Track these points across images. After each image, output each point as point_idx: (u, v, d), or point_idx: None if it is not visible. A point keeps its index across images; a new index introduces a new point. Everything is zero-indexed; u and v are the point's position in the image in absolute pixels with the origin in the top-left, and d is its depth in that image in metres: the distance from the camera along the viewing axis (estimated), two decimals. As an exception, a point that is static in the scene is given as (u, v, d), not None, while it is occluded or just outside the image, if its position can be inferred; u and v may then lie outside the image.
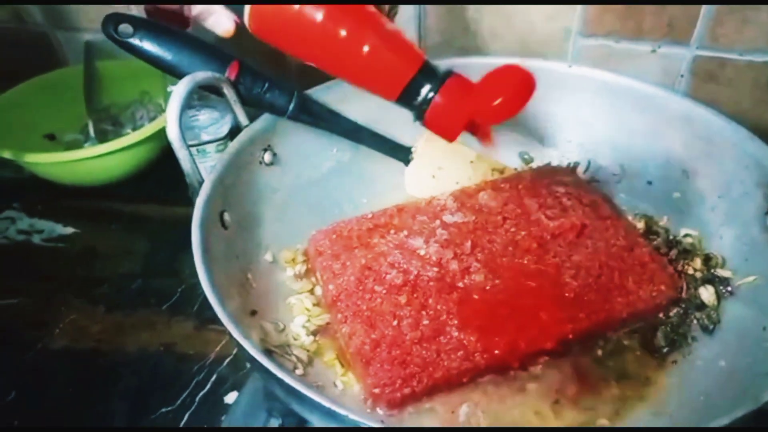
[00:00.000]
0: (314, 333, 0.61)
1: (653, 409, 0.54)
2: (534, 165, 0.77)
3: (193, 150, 0.74)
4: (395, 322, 0.57)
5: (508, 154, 0.77)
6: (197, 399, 0.63)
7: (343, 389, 0.57)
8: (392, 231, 0.65)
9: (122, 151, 0.80)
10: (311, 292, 0.65)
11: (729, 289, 0.61)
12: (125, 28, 0.60)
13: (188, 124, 0.77)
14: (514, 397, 0.55)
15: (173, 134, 0.56)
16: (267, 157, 0.67)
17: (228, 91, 0.63)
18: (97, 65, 0.94)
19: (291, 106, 0.65)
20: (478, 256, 0.62)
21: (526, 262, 0.62)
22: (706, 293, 0.61)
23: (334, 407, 0.42)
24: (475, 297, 0.59)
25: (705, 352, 0.58)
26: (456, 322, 0.57)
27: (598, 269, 0.61)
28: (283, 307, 0.63)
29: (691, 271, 0.63)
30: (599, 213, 0.66)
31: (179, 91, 0.57)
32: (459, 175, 0.74)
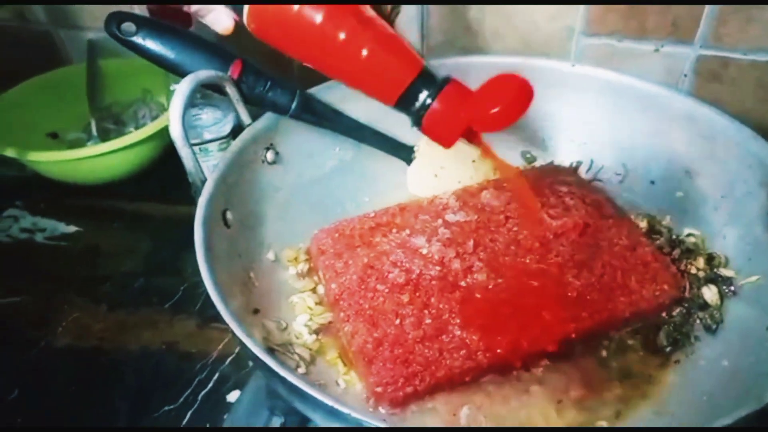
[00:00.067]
0: (316, 332, 0.61)
1: (656, 409, 0.54)
2: (536, 164, 0.77)
3: (196, 149, 0.74)
4: (397, 321, 0.57)
5: (510, 153, 0.77)
6: (199, 397, 0.63)
7: (345, 388, 0.57)
8: (394, 230, 0.65)
9: (125, 150, 0.80)
10: (313, 290, 0.65)
11: (732, 288, 0.61)
12: (128, 26, 0.60)
13: (191, 123, 0.77)
14: (519, 398, 0.55)
15: (176, 133, 0.56)
16: (269, 155, 0.67)
17: (230, 90, 0.63)
18: (100, 64, 0.94)
19: (293, 105, 0.65)
20: (480, 255, 0.62)
21: (528, 261, 0.62)
22: (709, 293, 0.61)
23: (336, 405, 0.42)
24: (478, 296, 0.59)
25: (708, 351, 0.58)
26: (458, 321, 0.57)
27: (601, 269, 0.61)
28: (285, 306, 0.63)
29: (694, 271, 0.63)
30: (602, 212, 0.66)
31: (182, 89, 0.57)
32: (461, 174, 0.74)
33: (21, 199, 0.88)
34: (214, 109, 0.78)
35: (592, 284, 0.60)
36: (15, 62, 0.94)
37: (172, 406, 0.62)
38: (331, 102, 0.68)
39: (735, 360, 0.55)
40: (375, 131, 0.70)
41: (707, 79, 0.78)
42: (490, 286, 0.60)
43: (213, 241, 0.55)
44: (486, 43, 0.85)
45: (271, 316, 0.60)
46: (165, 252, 0.79)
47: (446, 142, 0.56)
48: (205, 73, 0.59)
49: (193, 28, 0.69)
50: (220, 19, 0.59)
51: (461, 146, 0.73)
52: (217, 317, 0.48)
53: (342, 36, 0.52)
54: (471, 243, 0.63)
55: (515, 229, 0.65)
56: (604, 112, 0.72)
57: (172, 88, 0.75)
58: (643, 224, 0.68)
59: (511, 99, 0.51)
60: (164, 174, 0.86)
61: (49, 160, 0.81)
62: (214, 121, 0.78)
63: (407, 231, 0.65)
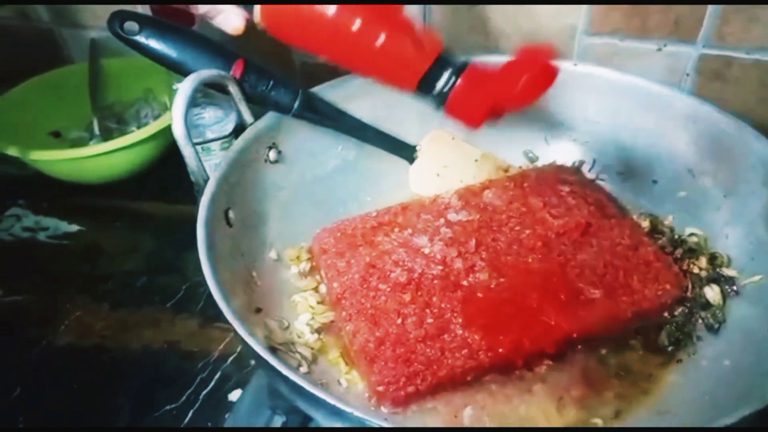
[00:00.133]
0: (318, 331, 0.61)
1: (657, 408, 0.54)
2: (539, 164, 0.77)
3: (198, 148, 0.74)
4: (399, 320, 0.57)
5: (513, 152, 0.77)
6: (201, 396, 0.63)
7: (347, 387, 0.57)
8: (397, 229, 0.65)
9: (127, 149, 0.80)
10: (316, 290, 0.65)
11: (734, 288, 0.61)
12: (131, 25, 0.60)
13: (193, 123, 0.77)
14: (521, 397, 0.55)
15: (179, 131, 0.57)
16: (272, 155, 0.67)
17: (233, 89, 0.63)
18: (103, 63, 0.94)
19: (296, 104, 0.65)
20: (482, 254, 0.62)
21: (530, 260, 0.62)
22: (712, 292, 0.61)
23: (338, 404, 0.42)
24: (480, 295, 0.59)
25: (710, 351, 0.58)
26: (460, 320, 0.57)
27: (603, 268, 0.61)
28: (287, 305, 0.63)
29: (696, 271, 0.63)
30: (604, 212, 0.66)
31: (185, 88, 0.57)
32: (464, 173, 0.74)
33: (23, 198, 0.88)
34: (216, 108, 0.78)
35: (594, 284, 0.60)
36: (17, 61, 0.94)
37: (173, 405, 0.62)
38: (333, 101, 0.68)
39: (737, 360, 0.55)
40: (377, 130, 0.70)
41: (710, 78, 0.78)
42: (492, 286, 0.60)
43: (215, 240, 0.56)
44: (489, 42, 0.84)
45: (273, 315, 0.60)
46: (167, 251, 0.79)
47: (474, 122, 0.56)
48: (207, 72, 0.60)
49: (196, 27, 0.69)
50: (230, 20, 0.59)
51: (464, 145, 0.73)
52: (219, 316, 0.48)
53: (356, 25, 0.52)
54: (473, 242, 0.63)
55: (517, 228, 0.65)
56: (607, 111, 0.72)
57: (174, 87, 0.75)
58: (645, 224, 0.68)
59: (537, 72, 0.51)
60: (166, 173, 0.86)
61: (52, 159, 0.81)
62: (216, 120, 0.78)
63: (409, 230, 0.65)
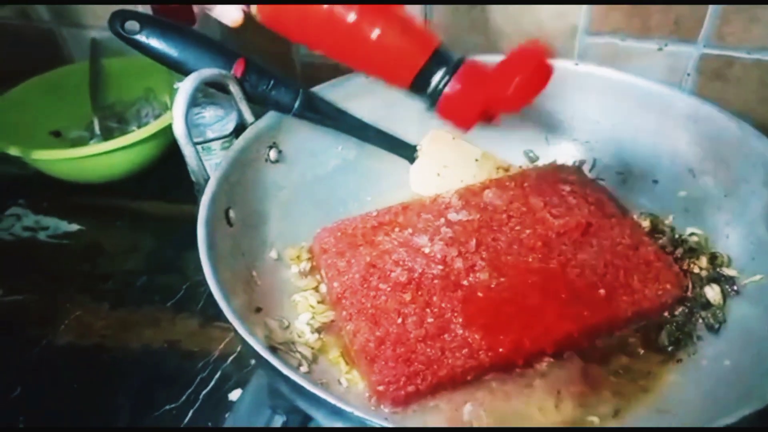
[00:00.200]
0: (319, 330, 0.61)
1: (657, 408, 0.54)
2: (539, 163, 0.77)
3: (199, 147, 0.74)
4: (400, 320, 0.57)
5: (513, 152, 0.77)
6: (201, 396, 0.63)
7: (347, 387, 0.57)
8: (397, 229, 0.65)
9: (127, 149, 0.80)
10: (316, 289, 0.65)
11: (735, 288, 0.61)
12: (132, 25, 0.60)
13: (193, 122, 0.77)
14: (521, 391, 0.55)
15: (179, 131, 0.57)
16: (272, 154, 0.67)
17: (234, 88, 0.63)
18: (103, 62, 0.94)
19: (296, 104, 0.65)
20: (482, 254, 0.62)
21: (531, 260, 0.62)
22: (712, 292, 0.61)
23: (339, 404, 0.42)
24: (480, 295, 0.59)
25: (710, 351, 0.58)
26: (461, 320, 0.57)
27: (604, 268, 0.61)
28: (287, 305, 0.63)
29: (696, 270, 0.63)
30: (604, 211, 0.66)
31: (186, 87, 0.57)
32: (464, 173, 0.74)
33: (23, 198, 0.88)
34: (217, 107, 0.78)
35: (595, 283, 0.60)
36: (18, 61, 0.94)
37: (173, 405, 0.62)
38: (334, 100, 0.68)
39: (737, 359, 0.55)
40: (378, 130, 0.70)
41: (710, 78, 0.78)
42: (493, 285, 0.60)
43: (216, 240, 0.56)
44: (490, 41, 0.84)
45: (273, 314, 0.60)
46: (167, 250, 0.79)
47: (464, 124, 0.55)
48: (208, 72, 0.60)
49: (197, 26, 0.69)
50: (228, 11, 0.59)
51: (464, 145, 0.73)
52: (219, 316, 0.48)
53: (351, 18, 0.51)
54: (473, 242, 0.63)
55: (518, 228, 0.65)
56: (607, 110, 0.72)
57: (175, 86, 0.75)
58: (645, 223, 0.68)
59: (530, 75, 0.50)
60: (167, 172, 0.86)
61: (52, 159, 0.81)
62: (217, 119, 0.78)
63: (410, 230, 0.65)
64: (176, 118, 0.56)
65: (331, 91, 0.69)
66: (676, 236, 0.67)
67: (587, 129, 0.75)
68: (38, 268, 0.78)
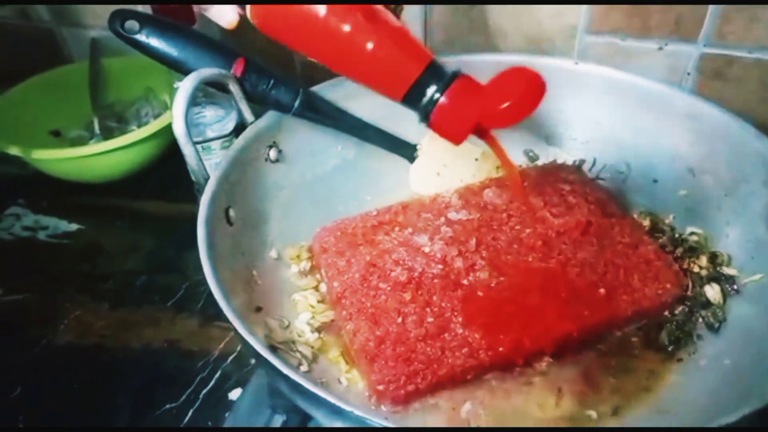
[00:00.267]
0: (319, 330, 0.61)
1: (657, 407, 0.54)
2: (539, 162, 0.77)
3: (199, 147, 0.74)
4: (400, 319, 0.57)
5: (513, 151, 0.76)
6: (201, 396, 0.63)
7: (347, 386, 0.57)
8: (397, 228, 0.65)
9: (127, 148, 0.80)
10: (316, 289, 0.65)
11: (735, 287, 0.61)
12: (131, 24, 0.60)
13: (193, 122, 0.77)
14: (520, 389, 0.55)
15: (179, 130, 0.56)
16: (272, 154, 0.67)
17: (234, 88, 0.63)
18: (103, 62, 0.94)
19: (296, 103, 0.65)
20: (482, 253, 0.62)
21: (531, 259, 0.62)
22: (712, 291, 0.61)
23: (338, 403, 0.42)
24: (480, 294, 0.59)
25: (710, 350, 0.58)
26: (460, 319, 0.57)
27: (604, 267, 0.61)
28: (287, 304, 0.63)
29: (696, 269, 0.63)
30: (605, 211, 0.66)
31: (186, 86, 0.57)
32: (464, 172, 0.74)
33: (23, 197, 0.88)
34: (217, 107, 0.78)
35: (595, 282, 0.60)
36: (18, 60, 0.94)
37: (173, 405, 0.62)
38: (334, 100, 0.68)
39: (737, 359, 0.55)
40: (378, 129, 0.70)
41: (711, 77, 0.78)
42: (493, 285, 0.60)
43: (215, 239, 0.56)
44: (490, 41, 0.84)
45: (273, 314, 0.60)
46: (167, 250, 0.79)
47: (455, 139, 0.55)
48: (208, 71, 0.59)
49: (196, 25, 0.69)
50: (224, 13, 0.59)
51: (464, 144, 0.73)
52: (219, 315, 0.48)
53: (346, 28, 0.51)
54: (473, 241, 0.63)
55: (518, 227, 0.65)
56: (607, 110, 0.72)
57: (175, 85, 0.75)
58: (645, 222, 0.68)
59: (522, 94, 0.50)
60: (167, 172, 0.86)
61: (52, 158, 0.81)
62: (216, 119, 0.78)
63: (410, 229, 0.65)
64: (176, 118, 0.56)
65: (331, 91, 0.68)
66: (676, 235, 0.67)
67: (587, 128, 0.75)
68: (38, 268, 0.78)
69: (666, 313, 0.60)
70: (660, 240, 0.66)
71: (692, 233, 0.66)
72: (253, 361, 0.64)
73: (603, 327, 0.58)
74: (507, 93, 0.50)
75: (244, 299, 0.58)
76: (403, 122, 0.70)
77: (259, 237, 0.65)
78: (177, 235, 0.80)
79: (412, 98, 0.53)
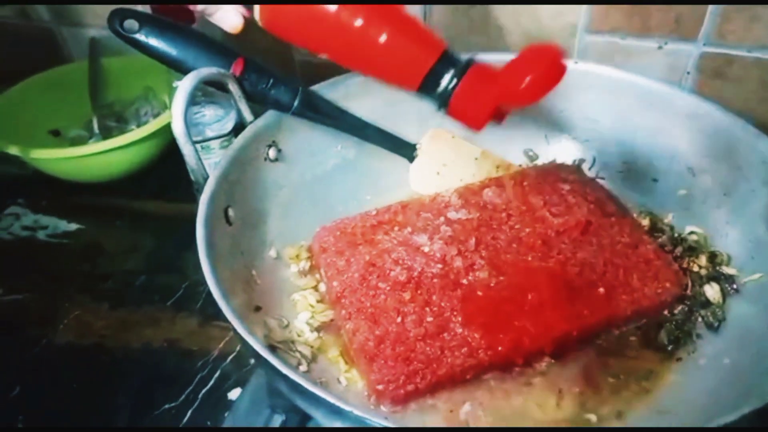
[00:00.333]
0: (318, 329, 0.61)
1: (657, 407, 0.54)
2: (539, 162, 0.77)
3: (198, 146, 0.74)
4: (399, 319, 0.57)
5: (512, 151, 0.77)
6: (200, 395, 0.63)
7: (346, 386, 0.57)
8: (396, 228, 0.65)
9: (126, 148, 0.80)
10: (315, 288, 0.65)
11: (734, 286, 0.61)
12: (131, 23, 0.60)
13: (193, 121, 0.77)
14: (520, 390, 0.55)
15: (179, 129, 0.56)
16: (271, 153, 0.67)
17: (233, 87, 0.63)
18: (102, 61, 0.94)
19: (296, 103, 0.65)
20: (482, 253, 0.62)
21: (530, 259, 0.62)
22: (711, 291, 0.61)
23: (338, 403, 0.42)
24: (479, 294, 0.59)
25: (710, 349, 0.58)
26: (460, 318, 0.57)
27: (603, 266, 0.61)
28: (287, 304, 0.63)
29: (696, 269, 0.63)
30: (604, 210, 0.66)
31: (185, 86, 0.57)
32: (463, 171, 0.74)
33: (22, 197, 0.88)
34: (216, 106, 0.78)
35: (594, 282, 0.60)
36: (17, 60, 0.94)
37: (173, 404, 0.62)
38: (333, 99, 0.68)
39: (737, 358, 0.55)
40: (377, 129, 0.70)
41: (710, 76, 0.78)
42: (492, 284, 0.60)
43: (215, 239, 0.55)
44: (490, 40, 0.84)
45: (272, 313, 0.60)
46: (167, 250, 0.79)
47: (476, 124, 0.55)
48: (207, 70, 0.59)
49: (196, 25, 0.69)
50: (228, 17, 0.58)
51: (464, 144, 0.73)
52: (219, 315, 0.48)
53: (358, 23, 0.51)
54: (473, 241, 0.63)
55: (517, 227, 0.65)
56: (607, 109, 0.72)
57: (174, 85, 0.75)
58: (645, 222, 0.68)
59: (543, 69, 0.50)
60: (166, 171, 0.86)
61: (51, 158, 0.81)
62: (216, 118, 0.78)
63: (409, 229, 0.65)
64: (175, 117, 0.56)
65: (330, 90, 0.68)
66: (676, 235, 0.67)
67: (587, 127, 0.75)
68: (38, 268, 0.78)
69: (665, 312, 0.61)
70: (659, 239, 0.66)
71: (692, 232, 0.66)
72: (252, 360, 0.64)
73: (602, 326, 0.58)
74: (527, 69, 0.50)
75: (243, 299, 0.58)
76: (403, 122, 0.71)
77: (258, 236, 0.65)
78: (176, 235, 0.80)
79: (428, 87, 0.53)
